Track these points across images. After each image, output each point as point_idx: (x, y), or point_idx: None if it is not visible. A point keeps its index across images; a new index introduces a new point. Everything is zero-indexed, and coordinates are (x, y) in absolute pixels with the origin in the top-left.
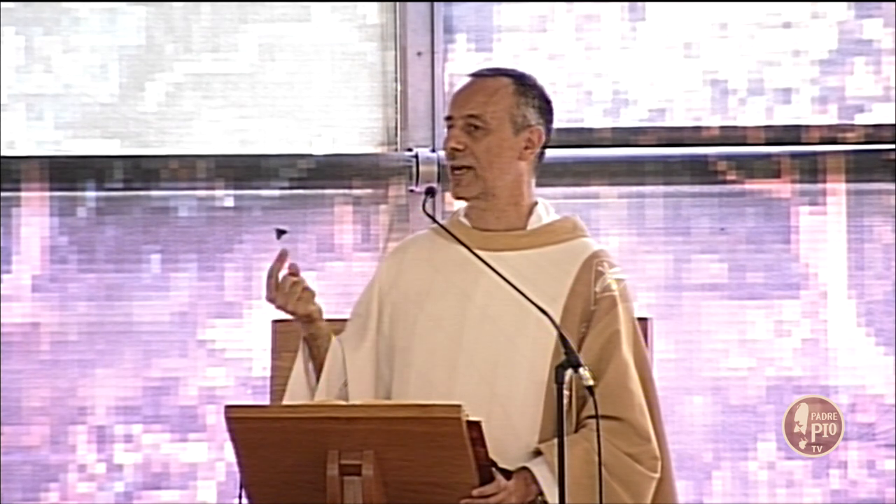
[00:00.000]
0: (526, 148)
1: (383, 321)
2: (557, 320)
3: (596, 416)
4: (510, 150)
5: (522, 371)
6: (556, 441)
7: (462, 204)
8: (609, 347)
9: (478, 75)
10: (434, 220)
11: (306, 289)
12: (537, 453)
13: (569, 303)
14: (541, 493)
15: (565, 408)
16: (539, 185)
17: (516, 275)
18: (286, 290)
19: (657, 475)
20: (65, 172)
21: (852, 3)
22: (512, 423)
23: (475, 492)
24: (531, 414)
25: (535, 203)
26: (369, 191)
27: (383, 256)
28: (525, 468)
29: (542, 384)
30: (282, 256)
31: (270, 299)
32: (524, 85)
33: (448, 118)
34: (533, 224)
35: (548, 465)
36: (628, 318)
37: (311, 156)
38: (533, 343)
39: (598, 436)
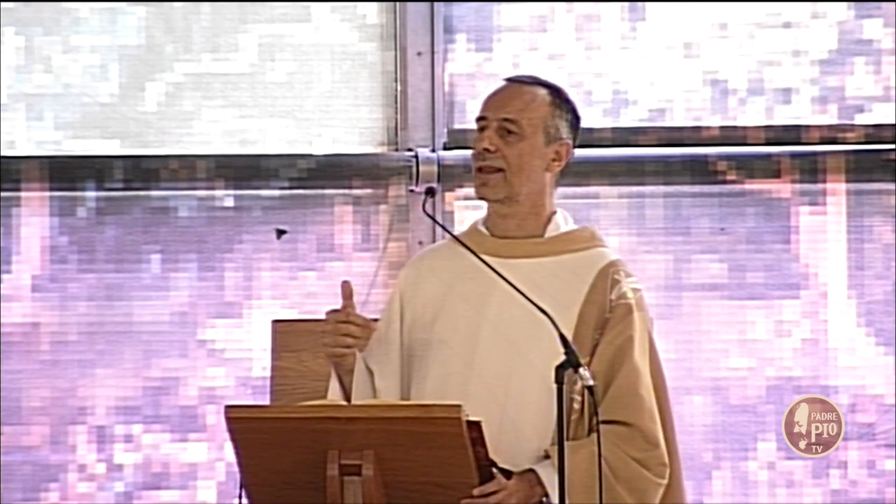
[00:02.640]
0: (554, 160)
1: (405, 335)
2: (572, 328)
3: (596, 417)
4: (540, 159)
5: (535, 378)
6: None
7: (478, 214)
8: (621, 353)
9: (515, 80)
10: (434, 221)
11: (354, 337)
12: (545, 457)
13: (583, 310)
14: (546, 495)
15: (576, 414)
16: None
17: (531, 282)
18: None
19: (664, 481)
20: (65, 172)
21: (852, 3)
22: (524, 431)
23: (475, 491)
24: (543, 421)
25: (554, 212)
26: (369, 191)
27: (381, 259)
28: (530, 470)
29: (554, 391)
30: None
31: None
32: (560, 98)
33: (481, 118)
34: (551, 232)
35: (553, 467)
36: (643, 326)
37: (311, 156)
38: (546, 351)
39: (598, 437)
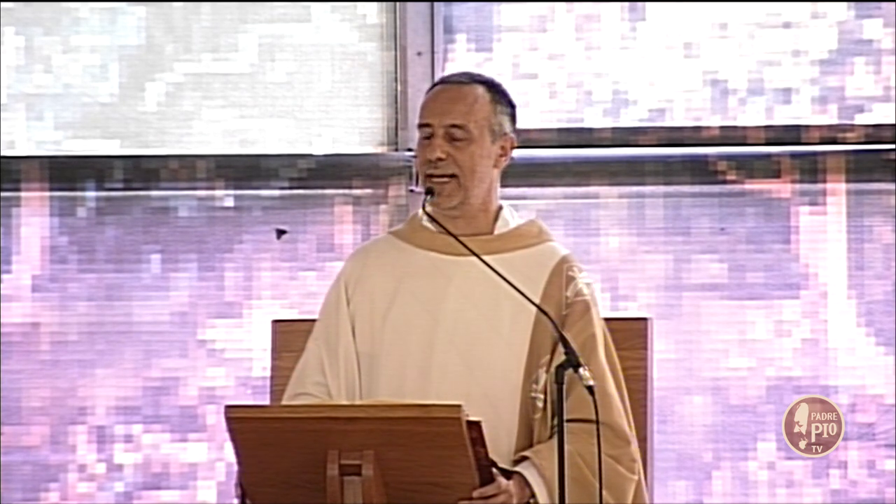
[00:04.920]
0: (501, 156)
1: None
2: (530, 326)
3: (596, 419)
4: (488, 158)
5: (497, 375)
6: (541, 446)
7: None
8: (585, 351)
9: (451, 82)
10: (434, 221)
11: None
12: (521, 458)
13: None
14: (533, 496)
15: (539, 412)
16: (539, 185)
17: (487, 279)
18: None
19: (636, 477)
20: (65, 172)
21: (852, 3)
22: (488, 427)
23: (476, 493)
24: (507, 417)
25: (500, 207)
26: (369, 191)
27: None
28: (517, 472)
29: (518, 387)
30: None
31: None
32: (498, 93)
33: (425, 125)
34: (500, 229)
35: (536, 469)
36: (600, 322)
37: (311, 156)
38: (507, 346)
39: (599, 437)
